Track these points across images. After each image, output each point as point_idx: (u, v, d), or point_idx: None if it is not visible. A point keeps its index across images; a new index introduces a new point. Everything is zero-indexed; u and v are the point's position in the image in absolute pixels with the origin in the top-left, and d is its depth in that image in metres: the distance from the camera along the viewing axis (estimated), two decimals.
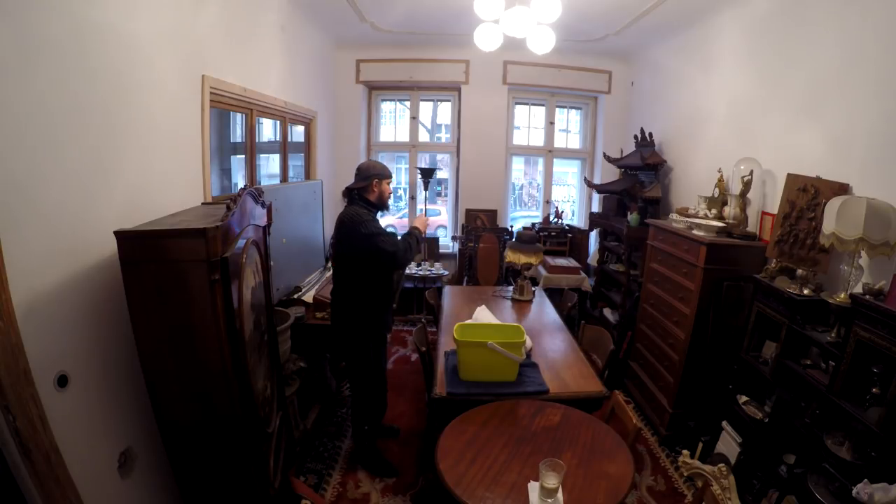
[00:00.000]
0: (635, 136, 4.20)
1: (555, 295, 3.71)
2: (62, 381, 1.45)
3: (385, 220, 5.71)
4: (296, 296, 3.10)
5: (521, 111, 5.31)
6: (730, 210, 2.87)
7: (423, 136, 5.36)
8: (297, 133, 4.08)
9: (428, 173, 4.63)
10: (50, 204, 1.42)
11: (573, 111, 5.39)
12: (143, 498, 1.81)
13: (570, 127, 5.45)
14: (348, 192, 2.41)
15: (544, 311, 3.21)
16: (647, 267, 3.32)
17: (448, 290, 3.56)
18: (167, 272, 1.43)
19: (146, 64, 1.86)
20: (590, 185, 4.80)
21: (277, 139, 3.61)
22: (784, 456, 2.11)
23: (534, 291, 3.44)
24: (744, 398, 2.38)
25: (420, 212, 5.04)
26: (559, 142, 5.37)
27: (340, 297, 2.43)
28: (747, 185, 2.74)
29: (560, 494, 1.44)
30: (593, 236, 5.03)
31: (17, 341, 1.28)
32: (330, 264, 3.90)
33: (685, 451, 2.03)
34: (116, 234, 1.39)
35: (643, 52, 4.52)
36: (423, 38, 4.51)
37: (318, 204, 3.79)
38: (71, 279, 1.50)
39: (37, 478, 1.31)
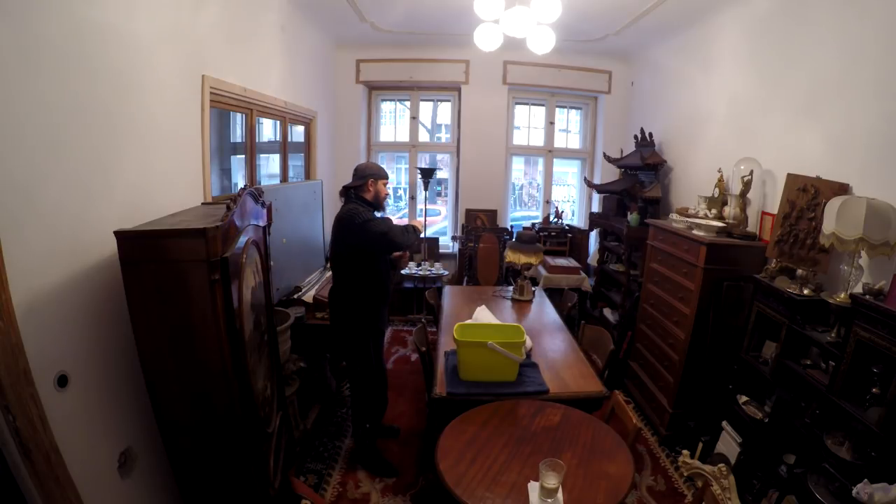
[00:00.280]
0: (635, 136, 4.20)
1: (555, 295, 3.71)
2: (62, 381, 1.45)
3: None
4: (296, 296, 3.10)
5: (521, 111, 5.31)
6: (730, 210, 2.87)
7: (423, 136, 5.36)
8: (297, 133, 4.08)
9: (428, 173, 4.63)
10: (50, 204, 1.42)
11: (573, 111, 5.39)
12: (143, 498, 1.81)
13: (570, 127, 5.45)
14: (345, 191, 2.45)
15: (544, 311, 3.21)
16: (647, 267, 3.32)
17: (448, 290, 3.56)
18: (167, 272, 1.43)
19: (146, 64, 1.86)
20: (590, 185, 4.80)
21: (277, 139, 3.61)
22: (784, 456, 2.11)
23: (534, 291, 3.44)
24: (744, 398, 2.38)
25: (420, 213, 5.05)
26: (559, 142, 5.37)
27: (338, 295, 2.47)
28: (747, 185, 2.74)
29: (560, 494, 1.44)
30: (593, 236, 5.03)
31: (17, 341, 1.28)
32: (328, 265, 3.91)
33: (685, 451, 2.03)
34: (116, 234, 1.39)
35: (643, 52, 4.52)
36: (423, 38, 4.51)
37: (318, 204, 3.80)
38: (71, 279, 1.50)
39: (37, 478, 1.31)
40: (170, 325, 1.47)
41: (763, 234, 2.75)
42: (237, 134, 3.10)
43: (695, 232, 2.77)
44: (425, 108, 5.33)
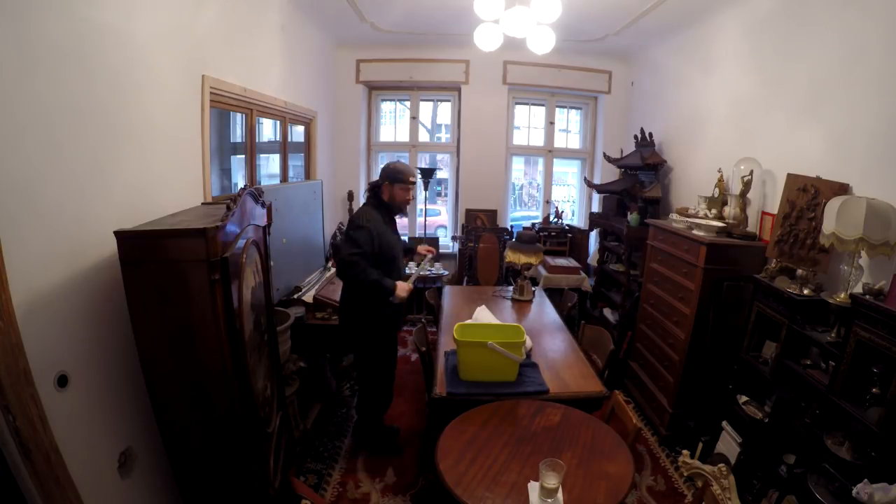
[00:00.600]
0: (635, 136, 4.20)
1: (555, 295, 3.71)
2: (62, 381, 1.45)
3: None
4: (296, 296, 3.10)
5: (521, 111, 5.30)
6: (730, 210, 2.87)
7: (423, 136, 5.36)
8: (297, 133, 4.08)
9: (428, 173, 4.64)
10: (50, 204, 1.42)
11: (573, 111, 5.39)
12: (143, 498, 1.81)
13: (570, 127, 5.45)
14: (370, 189, 2.52)
15: (544, 311, 3.21)
16: (647, 267, 3.32)
17: (448, 290, 3.56)
18: (167, 272, 1.43)
19: (146, 64, 1.86)
20: (590, 185, 4.80)
21: (277, 139, 3.61)
22: (784, 456, 2.11)
23: (534, 291, 3.44)
24: (744, 398, 2.38)
25: (420, 213, 5.04)
26: (559, 142, 5.37)
27: (347, 288, 2.52)
28: (747, 185, 2.74)
29: (560, 494, 1.44)
30: (593, 236, 5.03)
31: (17, 341, 1.28)
32: (330, 264, 3.92)
33: (685, 451, 2.03)
34: (116, 234, 1.39)
35: (643, 52, 4.52)
36: (423, 38, 4.51)
37: (318, 204, 3.80)
38: (71, 279, 1.50)
39: (37, 478, 1.31)
40: (170, 325, 1.47)
41: (763, 234, 2.75)
42: (237, 134, 3.10)
43: (695, 232, 2.77)
44: (425, 108, 5.32)
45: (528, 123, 5.34)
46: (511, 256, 3.40)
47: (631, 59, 4.80)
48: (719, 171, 3.01)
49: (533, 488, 1.49)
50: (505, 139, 5.07)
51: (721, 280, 2.62)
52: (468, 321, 2.55)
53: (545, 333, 2.76)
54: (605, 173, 4.95)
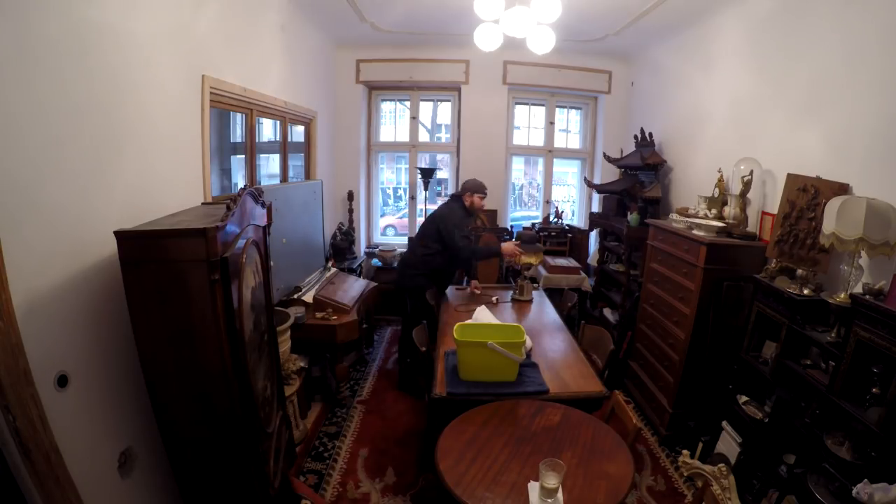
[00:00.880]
0: (635, 136, 4.20)
1: (555, 295, 3.71)
2: (62, 381, 1.45)
3: (385, 220, 5.77)
4: (296, 296, 3.10)
5: (521, 111, 5.30)
6: (730, 210, 2.87)
7: (423, 136, 5.36)
8: (297, 133, 4.08)
9: (428, 173, 4.63)
10: (50, 204, 1.42)
11: (573, 111, 5.39)
12: (143, 498, 1.81)
13: (570, 127, 5.45)
14: (453, 197, 3.47)
15: (544, 311, 3.21)
16: (647, 267, 3.32)
17: (448, 291, 3.55)
18: (167, 272, 1.43)
19: (146, 64, 1.86)
20: (590, 185, 4.80)
21: (277, 139, 3.61)
22: (784, 456, 2.11)
23: (536, 286, 3.46)
24: (744, 398, 2.38)
25: (420, 213, 5.04)
26: (559, 142, 5.37)
27: (411, 257, 3.39)
28: (747, 185, 2.74)
29: (560, 494, 1.44)
30: (593, 236, 5.03)
31: (17, 341, 1.28)
32: (330, 264, 3.92)
33: (685, 451, 2.03)
34: (116, 234, 1.39)
35: (643, 52, 4.52)
36: (423, 38, 4.51)
37: (318, 204, 3.80)
38: (71, 279, 1.50)
39: (37, 478, 1.31)
40: (170, 325, 1.47)
41: (763, 234, 2.75)
42: (237, 134, 3.10)
43: (695, 232, 2.77)
44: (425, 108, 5.32)
45: (528, 123, 5.34)
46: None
47: (631, 59, 4.80)
48: (719, 171, 3.01)
49: (533, 488, 1.49)
50: (505, 139, 5.07)
51: (721, 280, 2.62)
52: (468, 321, 2.55)
53: (545, 333, 2.76)
54: (605, 173, 4.95)
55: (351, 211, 4.97)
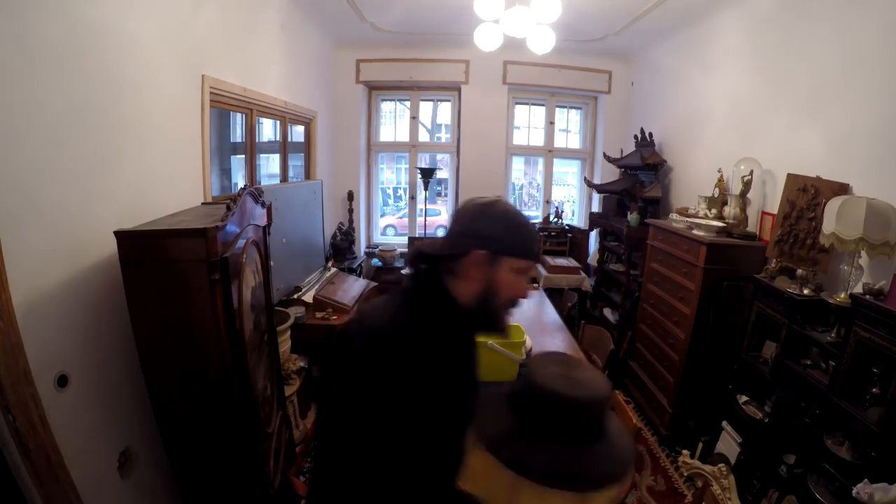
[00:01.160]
0: (635, 136, 4.20)
1: (555, 295, 3.71)
2: (62, 381, 1.45)
3: (385, 220, 5.77)
4: (296, 296, 3.10)
5: (521, 111, 5.30)
6: (730, 210, 2.87)
7: (423, 136, 5.36)
8: (297, 133, 4.08)
9: (428, 173, 4.64)
10: (50, 204, 1.42)
11: (573, 111, 5.39)
12: (143, 498, 1.81)
13: (570, 127, 5.45)
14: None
15: (544, 311, 3.21)
16: (647, 267, 3.32)
17: None
18: (167, 272, 1.43)
19: (145, 64, 1.86)
20: (590, 185, 4.80)
21: (277, 139, 3.61)
22: (784, 456, 2.11)
23: (536, 286, 3.44)
24: (744, 398, 2.38)
25: (420, 213, 5.03)
26: (559, 142, 5.37)
27: None
28: (747, 185, 2.74)
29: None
30: (593, 236, 5.03)
31: (17, 341, 1.28)
32: (330, 264, 3.92)
33: (685, 451, 2.03)
34: (116, 234, 1.39)
35: (643, 52, 4.52)
36: (423, 38, 4.51)
37: (318, 204, 3.79)
38: (71, 279, 1.50)
39: (37, 478, 1.31)
40: (170, 325, 1.47)
41: (763, 234, 2.75)
42: (237, 134, 3.10)
43: (695, 232, 2.77)
44: (425, 108, 5.32)
45: (528, 123, 5.34)
46: None
47: (631, 59, 4.80)
48: (719, 171, 3.01)
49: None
50: (505, 139, 5.07)
51: (721, 280, 2.62)
52: None
53: (545, 333, 2.76)
54: (605, 173, 4.94)
55: (351, 211, 4.97)
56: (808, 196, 2.31)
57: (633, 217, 3.80)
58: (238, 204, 1.63)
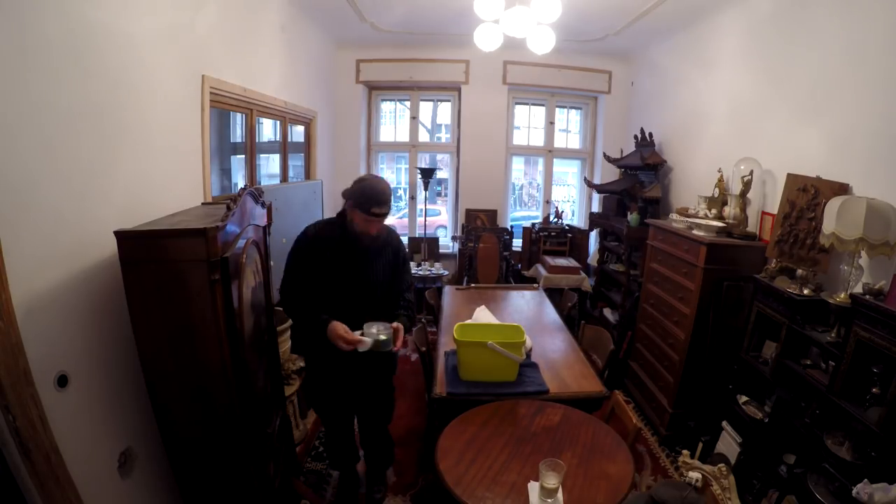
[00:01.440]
0: (635, 136, 4.20)
1: (555, 295, 3.71)
2: (62, 381, 1.45)
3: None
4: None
5: (521, 111, 5.31)
6: (730, 210, 2.87)
7: (423, 136, 5.36)
8: (297, 133, 4.08)
9: (428, 173, 4.64)
10: (50, 204, 1.42)
11: (573, 111, 5.39)
12: (143, 498, 1.81)
13: (570, 127, 5.45)
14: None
15: (544, 311, 3.21)
16: (647, 267, 3.32)
17: (448, 290, 3.55)
18: (167, 272, 1.43)
19: (145, 64, 1.86)
20: (590, 185, 4.80)
21: (277, 139, 3.61)
22: (784, 456, 2.11)
23: (536, 286, 3.43)
24: (744, 398, 2.38)
25: (420, 213, 5.02)
26: (559, 142, 5.37)
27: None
28: (747, 185, 2.74)
29: (560, 494, 1.44)
30: (593, 236, 5.03)
31: (17, 341, 1.28)
32: None
33: (685, 451, 2.03)
34: (116, 234, 1.39)
35: (643, 52, 4.52)
36: (423, 38, 4.51)
37: (318, 204, 3.79)
38: (71, 279, 1.50)
39: (37, 478, 1.31)
40: (170, 325, 1.47)
41: (763, 234, 2.75)
42: (237, 134, 3.10)
43: (695, 232, 2.77)
44: (425, 108, 5.33)
45: (528, 123, 5.34)
46: None
47: (631, 59, 4.80)
48: (719, 171, 3.01)
49: (533, 488, 1.49)
50: (505, 139, 5.07)
51: (721, 280, 2.62)
52: (468, 321, 2.55)
53: (545, 333, 2.76)
54: (605, 173, 4.95)
55: None
56: (808, 196, 2.31)
57: (633, 217, 3.80)
58: (238, 204, 1.63)
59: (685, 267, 2.80)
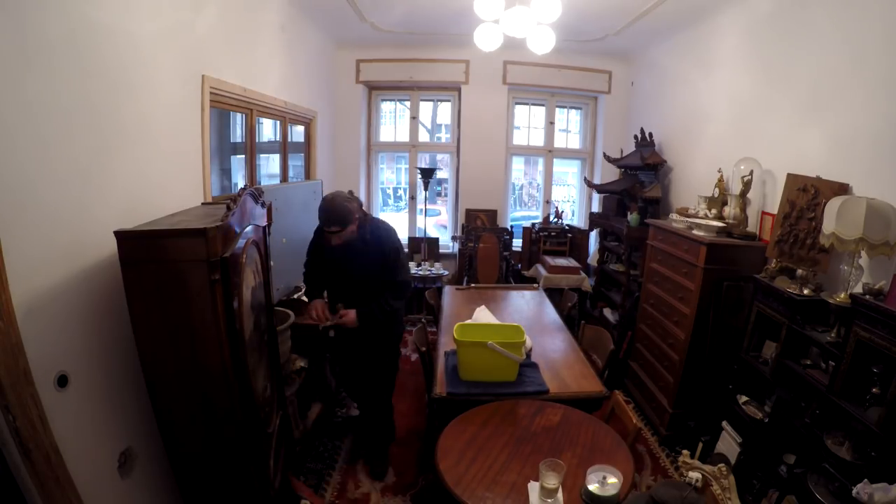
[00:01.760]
0: (635, 136, 4.20)
1: (555, 295, 3.71)
2: (62, 381, 1.45)
3: (386, 216, 5.76)
4: (296, 296, 3.10)
5: (521, 111, 5.30)
6: (730, 210, 2.87)
7: (423, 136, 5.36)
8: (297, 133, 4.08)
9: (428, 173, 4.64)
10: (50, 204, 1.42)
11: (573, 111, 5.39)
12: (143, 498, 1.81)
13: (570, 127, 5.45)
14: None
15: (544, 311, 3.22)
16: (647, 267, 3.32)
17: (448, 290, 3.56)
18: (167, 272, 1.43)
19: (145, 63, 1.86)
20: (590, 185, 4.80)
21: (277, 139, 3.61)
22: (784, 456, 2.11)
23: (536, 286, 3.43)
24: (744, 398, 2.38)
25: (420, 212, 5.02)
26: (559, 142, 5.37)
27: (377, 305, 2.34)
28: (747, 185, 2.74)
29: (560, 494, 1.44)
30: (593, 236, 5.03)
31: (17, 341, 1.28)
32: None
33: (685, 451, 2.03)
34: (116, 234, 1.39)
35: (643, 52, 4.52)
36: (423, 38, 4.51)
37: (318, 204, 3.79)
38: (71, 279, 1.50)
39: (37, 478, 1.31)
40: (170, 325, 1.46)
41: (763, 234, 2.75)
42: (237, 134, 3.10)
43: (695, 232, 2.77)
44: (425, 108, 5.32)
45: (528, 123, 5.34)
46: None
47: (631, 59, 4.80)
48: (719, 171, 3.01)
49: (533, 488, 1.49)
50: (505, 139, 5.07)
51: (721, 280, 2.62)
52: (468, 321, 2.55)
53: (545, 333, 2.76)
54: (605, 173, 4.95)
55: None
56: (808, 196, 2.31)
57: (633, 217, 3.80)
58: (238, 204, 1.63)
59: (685, 267, 2.80)
